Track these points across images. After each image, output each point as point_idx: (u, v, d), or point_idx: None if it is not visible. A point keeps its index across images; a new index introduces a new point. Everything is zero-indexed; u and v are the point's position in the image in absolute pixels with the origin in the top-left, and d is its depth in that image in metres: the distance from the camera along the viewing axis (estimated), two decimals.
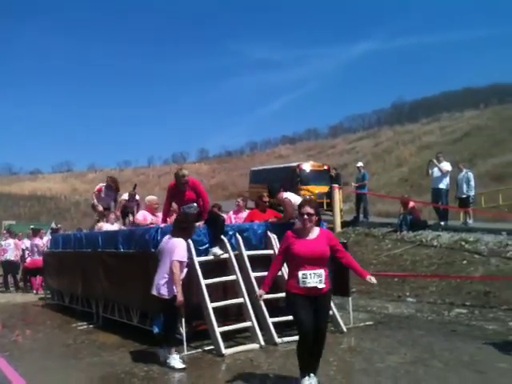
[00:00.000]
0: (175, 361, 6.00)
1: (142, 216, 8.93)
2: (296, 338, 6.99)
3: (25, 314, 11.31)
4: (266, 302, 7.10)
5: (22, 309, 12.00)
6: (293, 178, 22.65)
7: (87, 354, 6.92)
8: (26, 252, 15.92)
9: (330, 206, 17.44)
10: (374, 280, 4.94)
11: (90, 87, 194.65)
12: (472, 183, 13.73)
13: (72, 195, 53.50)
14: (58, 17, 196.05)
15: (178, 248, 6.04)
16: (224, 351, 6.35)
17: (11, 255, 15.59)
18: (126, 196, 10.55)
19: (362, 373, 5.56)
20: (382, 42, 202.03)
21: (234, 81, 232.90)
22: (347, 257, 5.04)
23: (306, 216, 4.77)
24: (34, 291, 14.63)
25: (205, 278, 6.85)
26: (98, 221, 10.70)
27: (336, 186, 16.98)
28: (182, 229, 6.25)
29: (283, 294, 7.36)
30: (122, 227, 10.02)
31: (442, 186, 13.75)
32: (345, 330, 7.41)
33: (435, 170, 13.89)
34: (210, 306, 6.63)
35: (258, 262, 7.48)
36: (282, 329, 7.00)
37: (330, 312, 7.59)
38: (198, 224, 7.03)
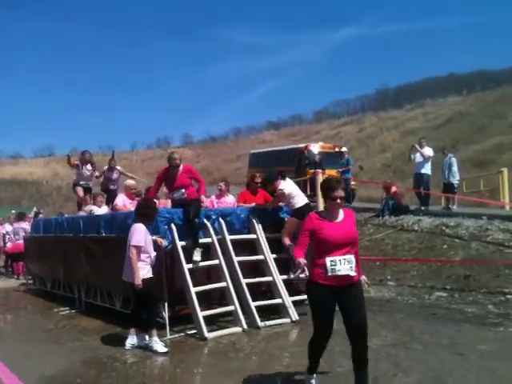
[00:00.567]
0: (157, 344, 6.00)
1: (122, 201, 8.84)
2: (278, 321, 7.11)
3: (6, 299, 11.19)
4: (249, 286, 7.14)
5: (4, 294, 11.87)
6: (300, 161, 20.62)
7: (69, 339, 6.89)
8: (7, 237, 15.71)
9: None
10: (366, 281, 4.49)
11: (72, 72, 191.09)
12: (455, 168, 13.85)
13: (54, 180, 52.83)
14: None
15: (134, 233, 6.06)
16: (207, 335, 6.37)
17: None
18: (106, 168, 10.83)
19: (343, 355, 5.60)
20: (367, 27, 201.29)
21: (218, 66, 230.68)
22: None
23: (338, 200, 4.25)
24: (16, 276, 14.49)
25: (188, 262, 6.84)
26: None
27: (319, 170, 16.97)
28: (142, 214, 6.27)
29: (267, 279, 7.47)
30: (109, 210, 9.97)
31: (424, 171, 13.86)
32: None
33: (417, 155, 13.98)
34: (193, 290, 6.63)
35: (241, 247, 7.50)
36: (264, 312, 7.04)
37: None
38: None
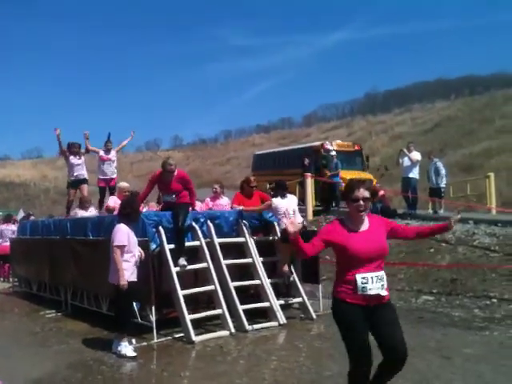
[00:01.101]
0: (127, 348, 5.96)
1: (113, 202, 8.80)
2: (266, 324, 7.10)
3: None
4: (237, 289, 7.14)
5: None
6: (316, 162, 18.07)
7: (55, 342, 6.84)
8: None
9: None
10: (457, 218, 3.89)
11: (61, 72, 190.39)
12: (443, 172, 13.95)
13: (42, 182, 52.47)
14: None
15: (117, 233, 6.04)
16: (194, 338, 6.35)
17: None
18: (102, 152, 10.66)
19: (330, 358, 5.62)
20: (356, 31, 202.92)
21: (209, 68, 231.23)
22: (416, 229, 4.01)
23: (361, 202, 3.63)
24: (1, 278, 14.34)
25: (175, 265, 6.82)
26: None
27: (308, 174, 16.96)
28: (124, 214, 6.24)
29: (254, 282, 7.47)
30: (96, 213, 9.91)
31: (412, 175, 13.94)
32: (314, 316, 7.49)
33: (405, 159, 14.07)
34: (181, 293, 6.61)
35: (230, 250, 7.50)
36: (252, 316, 7.04)
37: (302, 299, 7.69)
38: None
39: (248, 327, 6.84)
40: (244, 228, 7.68)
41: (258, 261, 7.53)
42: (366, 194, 3.64)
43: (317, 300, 8.00)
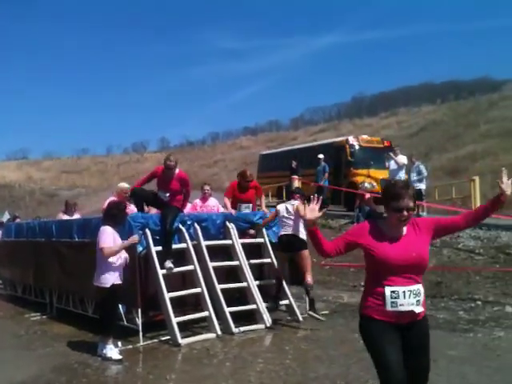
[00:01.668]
0: (112, 351, 5.93)
1: None
2: (253, 327, 7.10)
3: None
4: (224, 291, 7.13)
5: None
6: (340, 159, 16.99)
7: (40, 345, 6.78)
8: None
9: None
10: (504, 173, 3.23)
11: (47, 72, 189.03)
12: (424, 175, 14.04)
13: (27, 183, 52.02)
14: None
15: (102, 235, 6.02)
16: (180, 341, 6.33)
17: None
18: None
19: (316, 360, 5.65)
20: (344, 35, 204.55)
21: (196, 70, 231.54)
22: (465, 214, 3.37)
23: (405, 212, 3.11)
24: None
25: (162, 267, 6.80)
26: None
27: (295, 176, 17.01)
28: (109, 215, 6.21)
29: (241, 284, 7.47)
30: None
31: (398, 178, 14.05)
32: (301, 319, 7.51)
33: (392, 162, 14.20)
34: (167, 295, 6.59)
35: (217, 253, 7.49)
36: (238, 318, 7.04)
37: (288, 302, 7.69)
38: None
39: (234, 329, 6.83)
40: (231, 230, 7.67)
41: (245, 263, 7.53)
42: (411, 203, 3.13)
43: (303, 302, 8.01)
